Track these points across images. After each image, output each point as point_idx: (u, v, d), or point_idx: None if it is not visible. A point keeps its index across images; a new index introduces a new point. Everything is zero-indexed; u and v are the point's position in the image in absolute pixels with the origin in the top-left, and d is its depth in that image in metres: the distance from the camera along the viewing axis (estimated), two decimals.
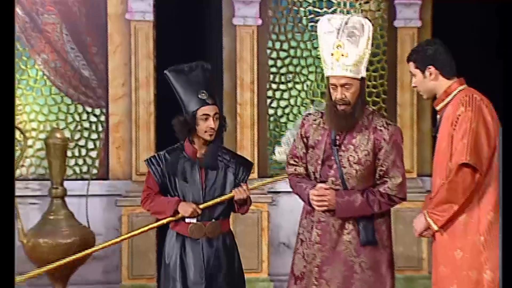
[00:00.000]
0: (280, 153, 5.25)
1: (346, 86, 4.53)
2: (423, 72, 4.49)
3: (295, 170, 4.76)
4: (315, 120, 4.73)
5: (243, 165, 4.98)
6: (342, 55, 4.51)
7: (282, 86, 7.74)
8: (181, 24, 7.50)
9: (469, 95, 4.39)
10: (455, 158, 4.29)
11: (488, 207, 4.35)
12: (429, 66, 4.47)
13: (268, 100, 7.72)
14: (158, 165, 4.94)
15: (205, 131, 4.81)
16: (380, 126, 4.60)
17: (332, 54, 4.53)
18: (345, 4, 7.75)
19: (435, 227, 4.39)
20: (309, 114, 4.83)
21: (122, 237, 5.29)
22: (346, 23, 4.54)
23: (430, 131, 7.42)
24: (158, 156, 4.97)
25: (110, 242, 5.28)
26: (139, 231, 5.18)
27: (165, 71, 4.95)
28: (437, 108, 4.54)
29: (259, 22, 7.60)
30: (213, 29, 7.73)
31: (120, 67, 7.42)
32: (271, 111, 7.73)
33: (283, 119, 7.69)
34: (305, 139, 4.73)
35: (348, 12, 7.57)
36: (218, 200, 4.85)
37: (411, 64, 4.54)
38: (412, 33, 7.67)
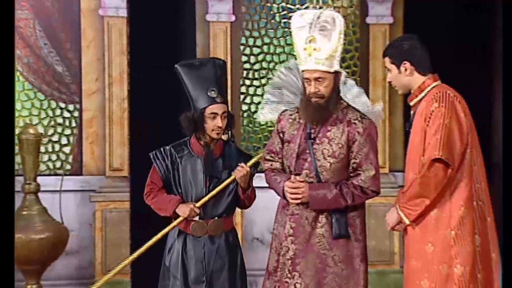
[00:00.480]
0: (264, 114, 5.20)
1: (319, 80, 4.56)
2: (398, 67, 4.49)
3: (271, 165, 4.78)
4: (291, 115, 4.76)
5: (247, 163, 4.87)
6: (315, 49, 4.54)
7: (255, 82, 7.75)
8: (154, 20, 7.47)
9: (443, 92, 4.41)
10: (428, 153, 4.31)
11: (460, 202, 4.37)
12: (405, 62, 4.47)
13: (242, 96, 7.72)
14: (164, 160, 4.85)
15: (212, 130, 4.74)
16: (355, 120, 4.64)
17: (305, 49, 4.56)
18: (317, 1, 7.78)
19: (407, 221, 4.41)
20: (286, 110, 4.86)
21: (141, 250, 4.86)
22: (318, 18, 4.58)
23: (402, 127, 7.47)
24: (163, 150, 4.87)
25: (127, 261, 4.89)
26: (160, 235, 4.83)
27: (176, 65, 4.83)
28: (411, 103, 4.55)
29: (233, 18, 7.61)
30: (187, 26, 7.70)
31: (93, 63, 7.38)
32: (244, 107, 7.73)
33: (256, 115, 7.70)
34: (281, 134, 4.75)
35: (320, 8, 7.60)
36: (220, 187, 4.77)
37: (387, 59, 4.55)
38: (384, 30, 7.72)
